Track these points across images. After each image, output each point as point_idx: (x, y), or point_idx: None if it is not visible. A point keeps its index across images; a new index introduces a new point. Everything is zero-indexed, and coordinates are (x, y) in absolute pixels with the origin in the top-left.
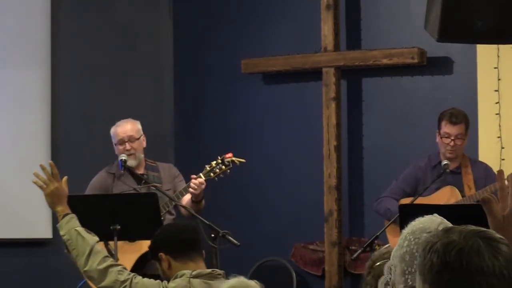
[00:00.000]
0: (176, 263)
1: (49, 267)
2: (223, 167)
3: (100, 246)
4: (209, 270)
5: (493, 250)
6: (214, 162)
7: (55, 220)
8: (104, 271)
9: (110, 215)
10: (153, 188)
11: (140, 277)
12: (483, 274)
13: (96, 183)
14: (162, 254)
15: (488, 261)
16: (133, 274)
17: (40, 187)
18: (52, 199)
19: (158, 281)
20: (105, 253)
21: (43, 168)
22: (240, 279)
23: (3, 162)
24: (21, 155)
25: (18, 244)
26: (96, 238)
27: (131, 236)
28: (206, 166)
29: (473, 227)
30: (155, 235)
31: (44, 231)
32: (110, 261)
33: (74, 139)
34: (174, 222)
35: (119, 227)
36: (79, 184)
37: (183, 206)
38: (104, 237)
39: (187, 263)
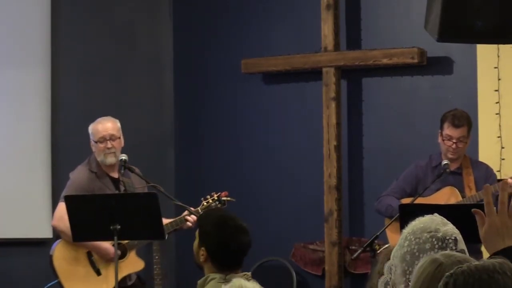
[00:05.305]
0: (212, 265)
1: (49, 267)
2: (219, 205)
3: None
4: (242, 274)
5: None
6: (211, 198)
7: None
8: None
9: (110, 215)
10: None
11: None
12: None
13: (82, 183)
14: (203, 249)
15: None
16: None
17: None
18: None
19: None
20: None
21: None
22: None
23: (3, 162)
24: (21, 155)
25: (18, 244)
26: None
27: (131, 236)
28: (204, 201)
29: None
30: (207, 224)
31: (44, 231)
32: None
33: (74, 139)
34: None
35: (119, 227)
36: None
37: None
38: (104, 237)
39: (222, 269)
